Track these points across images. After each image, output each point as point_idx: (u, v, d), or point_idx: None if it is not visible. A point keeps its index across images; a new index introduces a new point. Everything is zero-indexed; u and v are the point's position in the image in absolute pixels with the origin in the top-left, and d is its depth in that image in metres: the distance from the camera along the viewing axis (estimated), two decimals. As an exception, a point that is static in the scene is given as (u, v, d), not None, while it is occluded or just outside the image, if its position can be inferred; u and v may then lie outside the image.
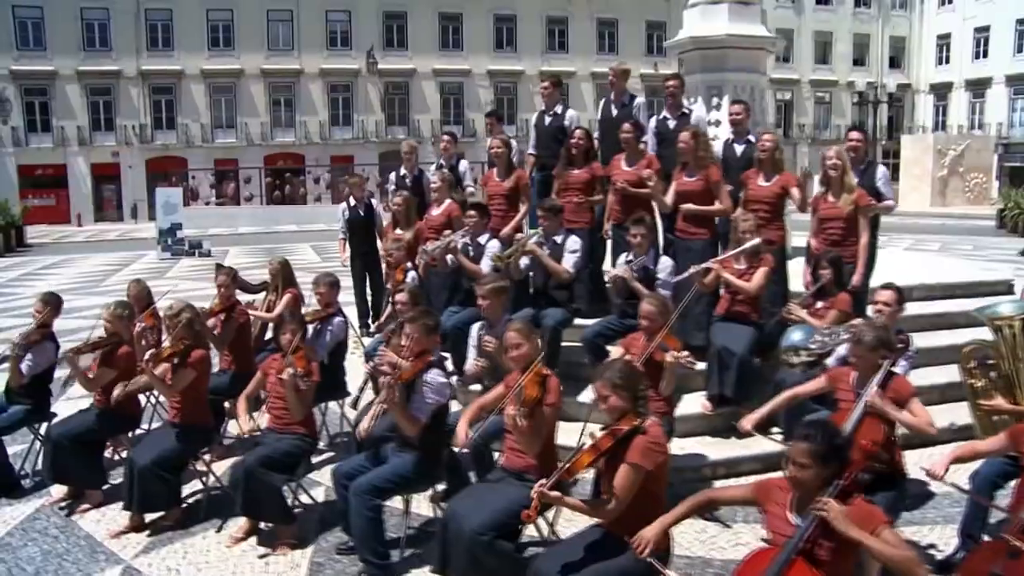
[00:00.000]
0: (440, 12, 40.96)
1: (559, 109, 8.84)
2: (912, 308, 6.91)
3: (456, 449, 5.19)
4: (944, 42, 45.25)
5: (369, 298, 10.26)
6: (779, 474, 3.65)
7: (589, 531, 4.11)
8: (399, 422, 4.82)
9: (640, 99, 8.85)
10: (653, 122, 8.26)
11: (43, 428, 6.52)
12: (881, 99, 36.12)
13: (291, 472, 5.33)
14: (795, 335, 5.81)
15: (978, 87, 42.61)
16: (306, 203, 37.03)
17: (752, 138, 7.85)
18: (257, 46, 38.36)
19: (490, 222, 7.59)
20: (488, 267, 7.02)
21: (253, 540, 5.35)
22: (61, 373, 6.71)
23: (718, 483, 6.13)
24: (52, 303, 6.59)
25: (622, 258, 6.80)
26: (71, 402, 7.38)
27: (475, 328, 6.03)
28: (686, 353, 5.37)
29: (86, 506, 5.94)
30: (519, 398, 4.39)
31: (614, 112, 8.61)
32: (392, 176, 10.45)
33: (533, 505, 3.79)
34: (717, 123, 9.55)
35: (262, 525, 5.41)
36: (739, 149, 7.80)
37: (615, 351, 5.76)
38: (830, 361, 5.74)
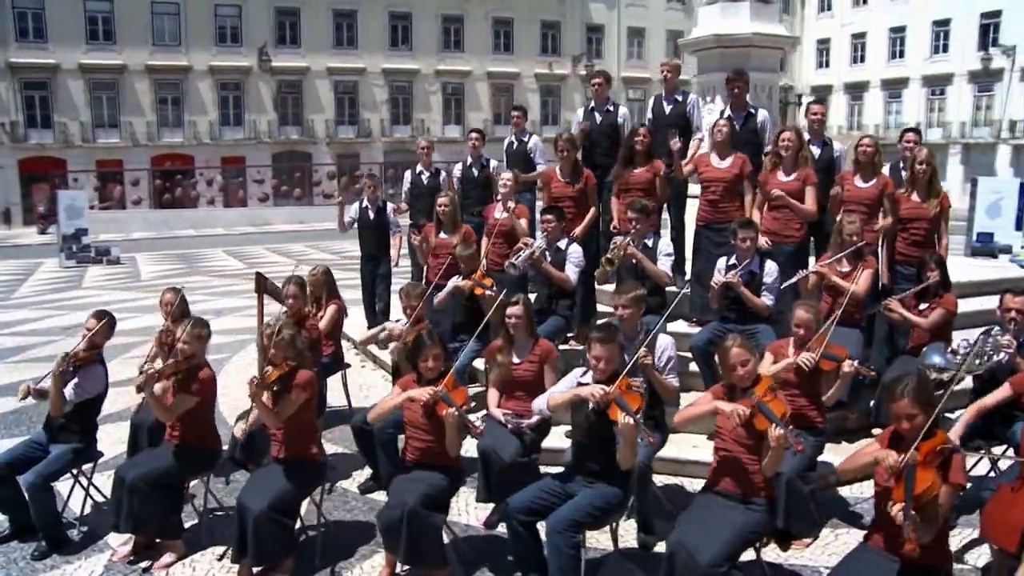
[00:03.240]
0: (334, 9, 39.70)
1: (611, 106, 8.45)
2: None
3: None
4: (824, 47, 47.33)
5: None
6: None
7: (874, 558, 3.80)
8: (625, 456, 4.39)
9: (624, 110, 8.68)
10: (713, 120, 7.99)
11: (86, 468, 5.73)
12: (792, 100, 37.40)
13: (445, 511, 4.77)
14: (935, 357, 5.69)
15: (856, 90, 44.74)
16: (196, 206, 35.21)
17: (829, 140, 7.74)
18: (141, 41, 36.09)
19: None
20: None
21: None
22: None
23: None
24: (108, 320, 5.74)
25: (722, 262, 6.52)
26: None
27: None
28: (855, 361, 5.17)
29: (168, 559, 5.18)
30: (769, 416, 4.11)
31: (667, 109, 8.31)
32: (408, 175, 9.85)
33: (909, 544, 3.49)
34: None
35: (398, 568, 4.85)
36: (816, 151, 7.64)
37: (767, 360, 5.45)
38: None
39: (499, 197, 7.82)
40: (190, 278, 17.88)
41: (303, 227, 30.85)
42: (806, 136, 7.53)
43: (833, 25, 45.24)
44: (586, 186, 7.56)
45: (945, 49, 41.73)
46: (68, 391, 5.39)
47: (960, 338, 5.87)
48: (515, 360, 5.58)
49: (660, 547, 5.27)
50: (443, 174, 9.67)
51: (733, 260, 6.41)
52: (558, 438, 6.03)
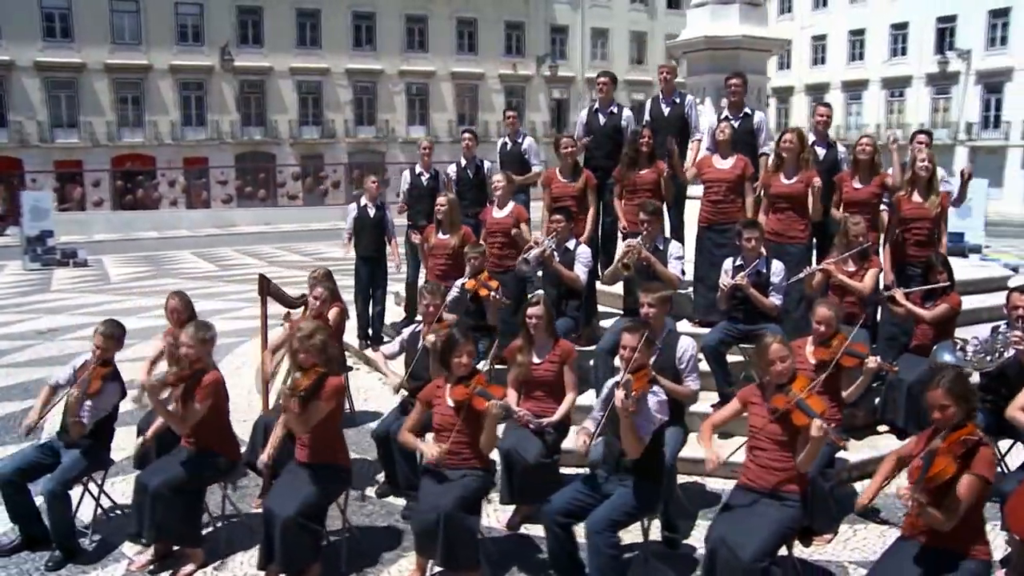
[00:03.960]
0: (297, 8, 39.28)
1: (615, 108, 8.46)
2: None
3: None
4: (785, 48, 47.81)
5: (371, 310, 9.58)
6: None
7: (905, 546, 3.85)
8: (627, 442, 4.38)
9: (628, 112, 8.72)
10: (713, 122, 8.05)
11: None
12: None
13: (478, 513, 4.75)
14: (946, 355, 5.78)
15: (817, 92, 45.35)
16: (158, 207, 34.58)
17: (834, 142, 7.83)
18: (100, 39, 35.37)
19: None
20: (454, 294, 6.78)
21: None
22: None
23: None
24: (117, 336, 5.60)
25: (728, 263, 6.58)
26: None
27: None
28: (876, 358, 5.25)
29: (189, 568, 5.09)
30: (809, 413, 4.16)
31: (665, 111, 8.35)
32: (407, 175, 9.78)
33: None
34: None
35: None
36: (821, 152, 7.73)
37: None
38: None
39: (493, 198, 7.81)
40: (161, 280, 17.61)
41: (269, 228, 30.53)
42: (811, 137, 7.62)
43: (793, 27, 45.77)
44: (586, 185, 7.57)
45: (903, 52, 42.50)
46: (84, 416, 5.29)
47: (971, 335, 5.97)
48: (535, 360, 5.57)
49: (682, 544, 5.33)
50: (442, 175, 9.60)
51: (739, 261, 6.47)
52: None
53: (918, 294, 6.58)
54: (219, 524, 5.59)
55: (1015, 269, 12.09)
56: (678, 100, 8.42)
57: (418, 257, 9.75)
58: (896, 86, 42.45)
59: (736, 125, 7.69)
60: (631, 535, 5.01)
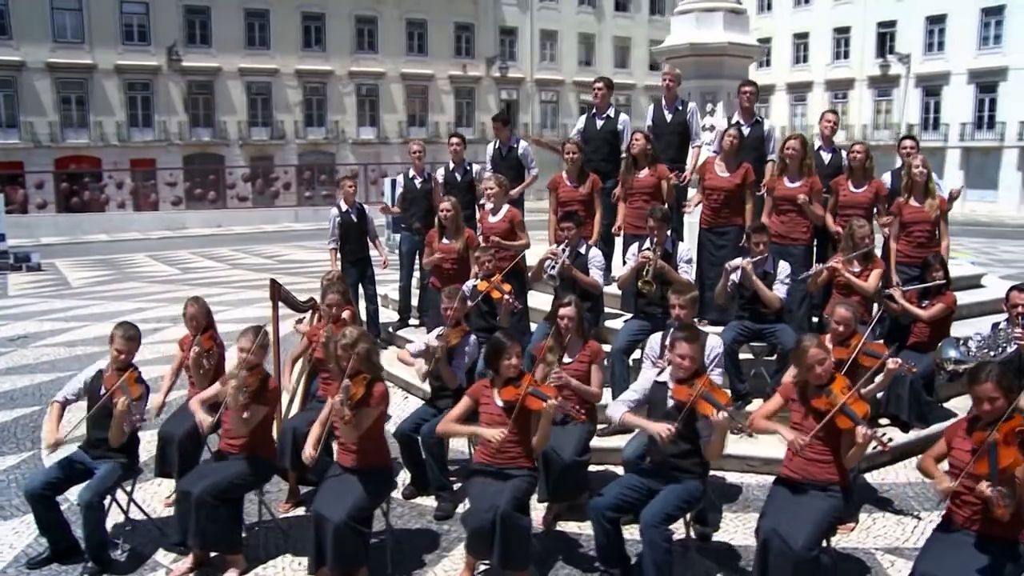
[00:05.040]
0: (245, 8, 38.77)
1: (611, 112, 8.60)
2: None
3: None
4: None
5: (363, 310, 9.56)
6: None
7: (958, 538, 4.04)
8: (717, 448, 4.62)
9: (624, 116, 8.90)
10: (723, 124, 8.23)
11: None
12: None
13: (528, 512, 4.82)
14: (951, 351, 6.02)
15: (763, 93, 45.91)
16: (105, 210, 33.77)
17: (839, 147, 8.08)
18: (40, 37, 34.44)
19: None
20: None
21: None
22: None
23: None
24: (137, 338, 5.54)
25: (738, 261, 6.75)
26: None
27: (656, 337, 5.78)
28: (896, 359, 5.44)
29: (232, 574, 5.07)
30: (853, 418, 4.35)
31: (667, 117, 8.52)
32: (400, 179, 9.79)
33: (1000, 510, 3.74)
34: (711, 128, 9.69)
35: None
36: (826, 157, 7.98)
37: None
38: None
39: (483, 201, 7.89)
40: (124, 284, 17.28)
41: (222, 231, 30.09)
42: (817, 143, 7.85)
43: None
44: (592, 189, 7.70)
45: (846, 55, 43.65)
46: (135, 420, 5.27)
47: (973, 332, 6.23)
48: (566, 360, 5.68)
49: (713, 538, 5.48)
50: (435, 178, 9.64)
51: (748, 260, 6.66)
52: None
53: (914, 292, 6.84)
54: (254, 529, 5.57)
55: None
56: (680, 107, 8.60)
57: (413, 259, 9.79)
58: (839, 88, 43.57)
59: (747, 131, 7.90)
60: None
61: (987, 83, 38.53)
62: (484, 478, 4.82)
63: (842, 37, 43.76)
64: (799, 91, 45.65)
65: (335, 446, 5.24)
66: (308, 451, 4.94)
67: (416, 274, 9.89)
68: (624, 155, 8.68)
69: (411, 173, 9.65)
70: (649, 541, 4.43)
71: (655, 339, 5.76)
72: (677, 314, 5.53)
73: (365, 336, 5.12)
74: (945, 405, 7.34)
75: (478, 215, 8.60)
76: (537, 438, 4.79)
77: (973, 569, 3.85)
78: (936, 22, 39.94)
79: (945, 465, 4.20)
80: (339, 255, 9.32)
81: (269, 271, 18.99)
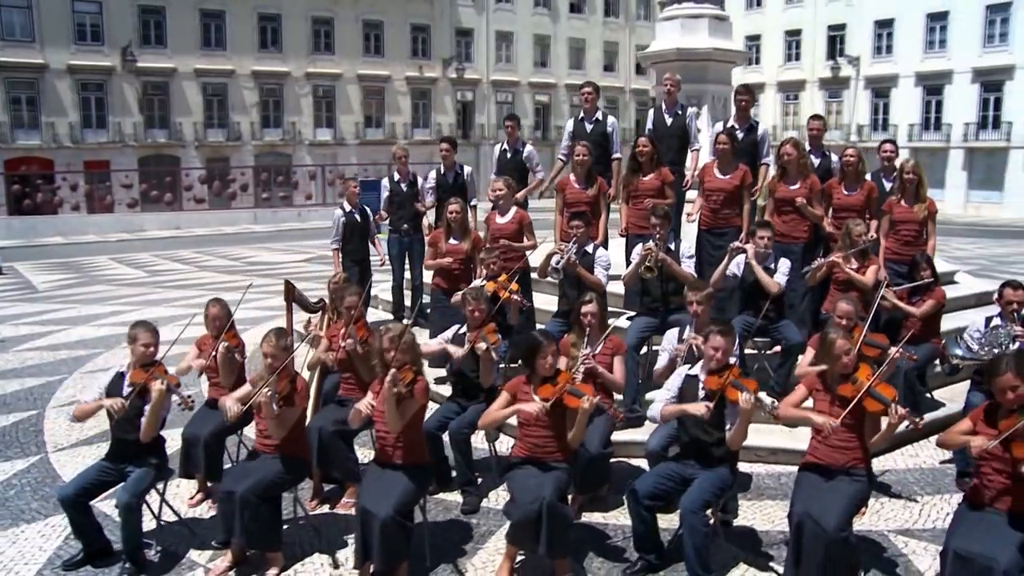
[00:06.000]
0: (201, 8, 38.33)
1: (600, 115, 8.80)
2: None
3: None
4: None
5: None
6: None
7: (986, 516, 4.30)
8: (740, 435, 4.84)
9: (612, 119, 9.10)
10: (719, 128, 8.47)
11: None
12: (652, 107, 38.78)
13: (567, 503, 4.99)
14: (956, 349, 6.34)
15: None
16: (58, 212, 33.08)
17: (827, 151, 8.37)
18: (-13, 35, 33.79)
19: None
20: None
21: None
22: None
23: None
24: (159, 333, 5.59)
25: (741, 258, 6.99)
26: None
27: (672, 332, 5.99)
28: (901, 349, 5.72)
29: (273, 572, 5.15)
30: (883, 400, 4.59)
31: (668, 121, 8.74)
32: (385, 181, 9.88)
33: None
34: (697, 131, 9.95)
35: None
36: (815, 161, 8.27)
37: (808, 354, 5.98)
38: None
39: (474, 202, 8.02)
40: (91, 288, 17.05)
41: (181, 233, 29.72)
42: (806, 147, 8.15)
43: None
44: (599, 192, 7.89)
45: (797, 58, 44.62)
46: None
47: (970, 324, 6.54)
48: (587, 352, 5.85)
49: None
50: (420, 181, 9.76)
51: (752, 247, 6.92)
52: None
53: (905, 290, 7.14)
54: (286, 527, 5.65)
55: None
56: (680, 111, 8.85)
57: (403, 261, 9.90)
58: (791, 90, 44.50)
59: (741, 136, 8.17)
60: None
61: (992, 82, 37.89)
62: (524, 472, 4.98)
63: (793, 39, 44.73)
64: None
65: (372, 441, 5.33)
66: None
67: (407, 275, 10.00)
68: (615, 157, 8.92)
69: (396, 177, 9.75)
70: (690, 526, 4.64)
71: (672, 334, 5.99)
72: (695, 310, 5.77)
73: (407, 329, 5.25)
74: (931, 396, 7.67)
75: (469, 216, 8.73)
76: (573, 434, 4.96)
77: (1002, 544, 4.11)
78: (884, 26, 41.06)
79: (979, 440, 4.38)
80: (340, 255, 9.42)
81: (238, 273, 18.92)
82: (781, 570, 5.01)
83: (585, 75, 49.29)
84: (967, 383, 6.73)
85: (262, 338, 5.41)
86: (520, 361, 5.29)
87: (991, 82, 37.88)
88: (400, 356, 4.99)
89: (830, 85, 43.36)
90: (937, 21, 39.29)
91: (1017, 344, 6.04)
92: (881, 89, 41.48)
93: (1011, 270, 17.88)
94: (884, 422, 4.70)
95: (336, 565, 5.22)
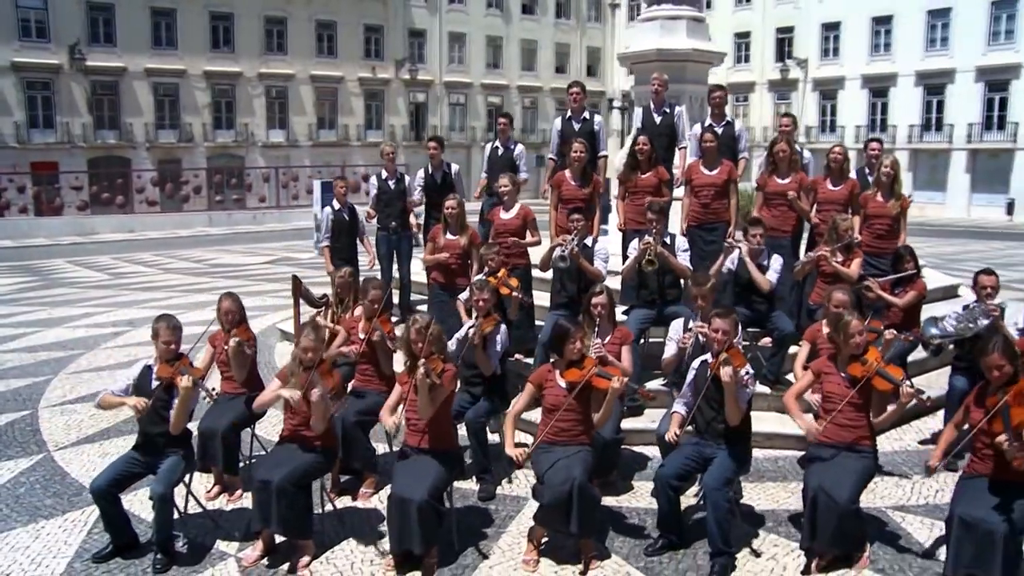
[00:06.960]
0: (152, 7, 37.72)
1: (587, 115, 9.03)
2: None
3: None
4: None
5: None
6: None
7: (978, 483, 4.65)
8: (731, 411, 5.06)
9: (599, 118, 9.37)
10: (698, 129, 8.75)
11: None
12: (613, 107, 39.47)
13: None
14: (932, 330, 6.67)
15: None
16: (3, 215, 32.37)
17: (800, 149, 8.70)
18: (-75, 33, 32.90)
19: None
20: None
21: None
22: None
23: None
24: (181, 328, 5.67)
25: (736, 253, 7.28)
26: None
27: (679, 323, 6.24)
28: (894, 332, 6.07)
29: (306, 559, 5.27)
30: (891, 380, 4.91)
31: (656, 120, 9.01)
32: (373, 180, 9.99)
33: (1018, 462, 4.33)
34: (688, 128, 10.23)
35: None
36: (719, 130, 8.61)
37: (804, 347, 6.29)
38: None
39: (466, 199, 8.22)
40: (54, 291, 16.79)
41: (135, 236, 29.30)
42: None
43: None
44: (594, 189, 8.13)
45: (747, 60, 45.51)
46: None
47: (951, 309, 6.91)
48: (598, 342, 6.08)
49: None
50: (408, 179, 9.90)
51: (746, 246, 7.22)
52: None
53: (888, 282, 7.48)
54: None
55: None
56: (668, 110, 9.12)
57: (392, 259, 10.02)
58: (740, 91, 45.28)
59: (719, 132, 8.47)
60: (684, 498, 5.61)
61: (997, 81, 36.96)
62: (549, 455, 5.17)
63: (743, 42, 45.62)
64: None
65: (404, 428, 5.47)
66: (390, 420, 5.24)
67: (396, 273, 10.12)
68: (602, 155, 9.17)
69: (384, 175, 9.87)
70: (713, 503, 4.90)
71: (678, 324, 6.24)
72: (700, 304, 6.04)
73: (433, 321, 5.42)
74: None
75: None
76: (601, 414, 5.19)
77: (997, 507, 4.48)
78: (831, 29, 42.11)
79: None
80: (330, 252, 9.50)
81: (204, 275, 18.80)
82: (791, 544, 5.31)
83: (537, 76, 49.86)
84: (947, 369, 7.12)
85: (298, 334, 5.53)
86: (548, 346, 5.48)
87: (996, 81, 37.01)
88: (427, 347, 5.17)
89: (779, 87, 44.36)
90: (939, 19, 38.52)
91: (988, 319, 6.39)
92: (828, 91, 42.54)
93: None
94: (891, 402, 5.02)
95: (383, 554, 5.32)
